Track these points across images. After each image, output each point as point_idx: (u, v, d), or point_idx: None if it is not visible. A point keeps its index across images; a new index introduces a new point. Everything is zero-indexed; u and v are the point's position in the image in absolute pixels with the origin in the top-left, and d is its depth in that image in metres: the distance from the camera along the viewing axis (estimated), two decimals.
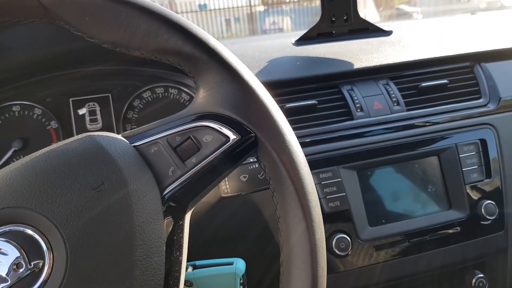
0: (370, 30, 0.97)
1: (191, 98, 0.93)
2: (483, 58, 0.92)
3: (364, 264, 0.76)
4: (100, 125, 0.88)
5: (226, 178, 0.64)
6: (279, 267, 0.42)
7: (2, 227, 0.33)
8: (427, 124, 0.83)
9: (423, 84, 0.86)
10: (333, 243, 0.73)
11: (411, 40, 0.99)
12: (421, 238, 0.79)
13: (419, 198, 0.81)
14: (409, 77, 0.88)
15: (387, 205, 0.79)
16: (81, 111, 0.89)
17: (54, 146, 0.38)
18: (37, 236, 0.33)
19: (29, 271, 0.33)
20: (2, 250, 0.33)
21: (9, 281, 0.32)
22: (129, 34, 0.39)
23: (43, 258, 0.33)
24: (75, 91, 0.88)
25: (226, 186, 0.62)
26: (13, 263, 0.33)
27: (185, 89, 0.93)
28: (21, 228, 0.33)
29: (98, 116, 0.89)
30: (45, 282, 0.32)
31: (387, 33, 0.98)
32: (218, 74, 0.41)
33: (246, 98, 0.41)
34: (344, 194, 0.76)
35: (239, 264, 0.65)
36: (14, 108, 0.86)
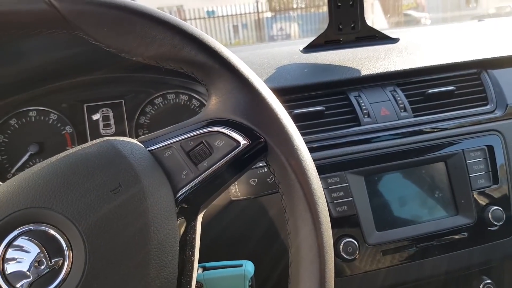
0: (377, 38, 0.98)
1: (201, 104, 0.95)
2: (490, 65, 0.92)
3: (371, 269, 0.77)
4: (113, 130, 0.91)
5: (236, 182, 0.65)
6: (287, 269, 0.43)
7: (24, 226, 0.35)
8: (434, 130, 0.84)
9: (430, 91, 0.87)
10: (341, 247, 0.74)
11: (418, 47, 1.00)
12: (428, 243, 0.80)
13: (426, 203, 0.82)
14: (416, 84, 0.90)
15: (394, 210, 0.80)
16: (95, 117, 0.91)
17: (73, 150, 0.40)
18: (57, 235, 0.35)
19: (50, 268, 0.34)
20: (24, 248, 0.35)
21: (31, 277, 0.34)
22: (144, 44, 0.41)
23: (63, 256, 0.35)
24: (89, 97, 0.91)
25: (236, 190, 0.63)
26: (34, 260, 0.34)
27: (196, 96, 0.95)
28: (42, 227, 0.35)
29: (112, 122, 0.91)
30: (64, 278, 0.34)
31: (394, 40, 0.99)
32: (229, 82, 0.42)
33: (256, 104, 0.42)
34: (351, 199, 0.77)
35: (248, 266, 0.66)
36: (30, 114, 0.88)
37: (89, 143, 0.41)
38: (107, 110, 0.92)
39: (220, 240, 0.69)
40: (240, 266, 0.67)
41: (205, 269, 0.67)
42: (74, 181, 0.37)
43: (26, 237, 0.35)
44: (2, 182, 0.83)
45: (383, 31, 1.00)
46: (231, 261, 0.68)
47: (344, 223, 0.76)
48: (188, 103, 0.95)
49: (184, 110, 0.95)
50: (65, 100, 0.90)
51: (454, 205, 0.82)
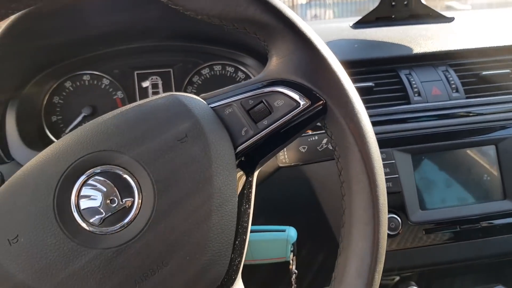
0: (431, 16, 0.96)
1: (247, 76, 0.96)
2: None
3: (412, 246, 0.77)
4: (164, 93, 0.93)
5: (285, 149, 0.66)
6: (329, 238, 0.43)
7: (98, 167, 0.37)
8: (486, 112, 0.82)
9: (484, 73, 0.85)
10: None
11: (473, 28, 0.97)
12: (472, 226, 0.79)
13: (473, 186, 0.81)
14: (469, 65, 0.87)
15: (439, 190, 0.79)
16: (145, 84, 0.94)
17: (142, 101, 0.42)
18: (128, 178, 0.37)
19: (121, 207, 0.36)
20: (97, 187, 0.37)
21: (103, 213, 0.36)
22: (211, 3, 0.42)
23: (133, 197, 0.36)
24: (140, 65, 0.93)
25: (285, 156, 0.64)
26: (107, 198, 0.36)
27: (242, 68, 0.96)
28: (115, 169, 0.37)
29: (160, 90, 0.94)
30: (134, 217, 0.36)
31: (449, 19, 0.97)
32: (292, 43, 0.43)
33: (318, 66, 0.42)
34: (397, 176, 0.77)
35: (291, 232, 0.67)
36: (84, 77, 0.92)
37: (157, 96, 0.42)
38: (156, 78, 0.94)
39: (265, 205, 0.70)
40: (283, 231, 0.68)
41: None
42: (145, 129, 0.38)
43: (100, 177, 0.37)
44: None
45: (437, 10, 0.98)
46: (274, 226, 0.69)
47: (388, 199, 0.74)
48: (234, 75, 0.97)
49: (229, 81, 0.96)
50: (117, 66, 0.93)
51: (502, 190, 0.80)
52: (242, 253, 0.41)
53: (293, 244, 0.67)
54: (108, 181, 0.37)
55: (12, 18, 0.72)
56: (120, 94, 0.93)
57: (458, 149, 0.80)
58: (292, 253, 0.68)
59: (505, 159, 0.80)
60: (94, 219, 0.36)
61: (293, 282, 0.70)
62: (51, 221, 0.34)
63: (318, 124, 0.45)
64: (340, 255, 0.41)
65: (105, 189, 0.36)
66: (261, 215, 0.72)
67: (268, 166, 0.67)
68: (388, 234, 0.73)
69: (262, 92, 0.43)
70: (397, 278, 0.83)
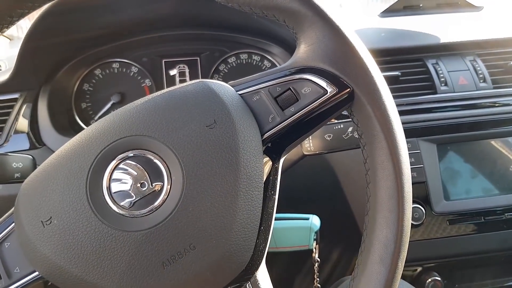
0: (459, 5, 0.94)
1: (273, 65, 0.97)
2: None
3: (436, 236, 0.77)
4: (193, 80, 0.94)
5: (310, 137, 0.67)
6: (352, 226, 0.44)
7: (129, 151, 0.38)
8: None
9: None
10: None
11: (502, 17, 0.95)
12: (496, 217, 0.78)
13: (498, 177, 0.80)
14: (497, 55, 0.86)
15: (464, 181, 0.79)
16: (172, 72, 0.95)
17: (172, 88, 0.43)
18: (158, 162, 0.38)
19: (151, 191, 0.37)
20: (128, 171, 0.38)
21: (134, 197, 0.37)
22: None
23: (162, 181, 0.37)
24: (168, 53, 0.95)
25: (310, 144, 0.65)
26: (137, 182, 0.37)
27: (268, 56, 0.96)
28: (146, 154, 0.38)
29: (187, 78, 0.95)
30: (164, 200, 0.37)
31: (478, 8, 0.95)
32: (320, 30, 0.43)
33: (346, 53, 0.42)
34: (422, 166, 0.76)
35: (315, 220, 0.68)
36: (114, 65, 0.94)
37: (187, 83, 0.43)
38: (184, 67, 0.96)
39: (289, 192, 0.71)
40: (307, 219, 0.69)
41: None
42: (175, 115, 0.39)
43: (131, 161, 0.38)
44: (86, 127, 0.90)
45: None
46: (298, 214, 0.70)
47: (413, 189, 0.75)
48: (259, 63, 0.97)
49: (255, 70, 0.97)
50: (145, 54, 0.94)
51: None
52: (267, 239, 0.41)
53: (316, 232, 0.68)
54: (138, 165, 0.38)
55: (43, 8, 0.74)
56: (148, 82, 0.95)
57: (484, 140, 0.80)
58: (315, 241, 0.69)
59: None
60: (124, 202, 0.37)
61: (315, 270, 0.71)
62: (83, 203, 0.36)
63: (344, 112, 0.45)
64: (364, 242, 0.41)
65: (135, 173, 0.37)
66: (285, 202, 0.74)
67: (293, 154, 0.68)
68: (412, 224, 0.73)
69: (290, 79, 0.43)
70: (420, 268, 0.84)
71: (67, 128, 0.87)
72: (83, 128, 0.90)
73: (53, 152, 0.40)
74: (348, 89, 0.42)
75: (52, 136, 0.81)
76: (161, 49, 0.95)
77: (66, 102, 0.91)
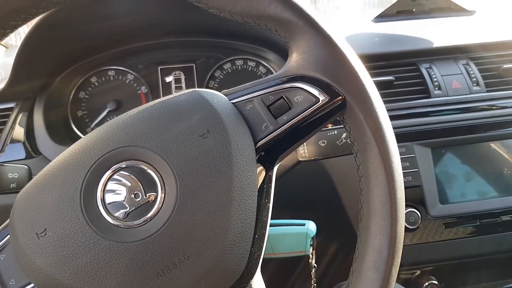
0: (452, 9, 0.95)
1: (268, 71, 0.97)
2: None
3: (432, 240, 0.77)
4: (187, 90, 0.95)
5: (304, 143, 0.67)
6: (349, 231, 0.44)
7: (123, 162, 0.38)
8: (507, 106, 0.82)
9: (505, 66, 0.84)
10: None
11: (494, 20, 0.96)
12: (492, 220, 0.78)
13: (493, 180, 0.80)
14: (490, 59, 0.87)
15: (459, 184, 0.79)
16: (168, 79, 0.96)
17: (166, 97, 0.43)
18: (152, 172, 0.38)
19: (145, 201, 0.37)
20: (123, 182, 0.38)
21: (128, 208, 0.37)
22: (233, 1, 0.43)
23: (156, 191, 0.37)
24: (164, 60, 0.95)
25: (304, 150, 0.65)
26: (131, 193, 0.38)
27: (263, 62, 0.97)
28: (139, 164, 0.38)
29: (183, 84, 0.96)
30: (158, 211, 0.37)
31: (470, 12, 0.96)
32: (312, 39, 0.43)
33: (337, 62, 0.43)
34: (417, 170, 0.77)
35: (311, 226, 0.68)
36: (109, 73, 0.94)
37: (180, 92, 0.44)
38: (179, 73, 0.96)
39: (285, 199, 0.71)
40: (303, 225, 0.69)
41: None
42: (168, 124, 0.40)
43: (125, 172, 0.38)
44: (83, 135, 0.90)
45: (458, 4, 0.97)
46: (294, 219, 0.70)
47: (408, 193, 0.75)
48: (255, 69, 0.98)
49: (251, 76, 0.97)
50: (141, 61, 0.95)
51: None
52: (262, 247, 0.42)
53: (312, 238, 0.68)
54: (132, 176, 0.38)
55: (37, 18, 0.74)
56: (144, 89, 0.95)
57: (478, 143, 0.80)
58: (311, 247, 0.69)
59: None
60: (119, 213, 0.37)
61: (312, 276, 0.71)
62: (78, 215, 0.36)
63: (337, 119, 0.45)
64: (358, 249, 0.42)
65: (129, 184, 0.38)
66: (281, 209, 0.74)
67: (288, 160, 0.68)
68: (407, 228, 0.74)
69: (282, 87, 0.43)
70: (417, 272, 0.84)
71: (63, 137, 0.87)
72: (79, 136, 0.90)
73: (49, 161, 0.40)
74: (340, 97, 0.43)
75: (48, 145, 0.81)
76: (156, 56, 0.96)
77: (62, 111, 0.91)
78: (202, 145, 0.39)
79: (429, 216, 0.77)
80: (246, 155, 0.40)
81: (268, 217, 0.44)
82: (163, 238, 0.36)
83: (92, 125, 0.94)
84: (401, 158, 0.74)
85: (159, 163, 0.38)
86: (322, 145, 0.63)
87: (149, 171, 0.38)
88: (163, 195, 0.37)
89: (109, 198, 0.37)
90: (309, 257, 0.71)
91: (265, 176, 0.44)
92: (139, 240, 0.36)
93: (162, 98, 0.43)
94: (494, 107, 0.81)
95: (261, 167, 0.43)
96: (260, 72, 0.98)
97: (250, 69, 0.98)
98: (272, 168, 0.45)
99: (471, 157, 0.80)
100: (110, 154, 0.38)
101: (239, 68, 0.98)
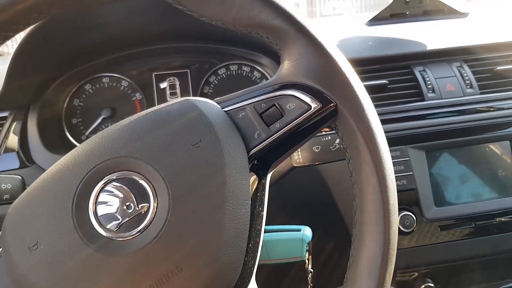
0: (445, 12, 0.95)
1: (263, 76, 0.97)
2: None
3: (427, 243, 0.77)
4: (179, 98, 0.95)
5: (298, 149, 0.67)
6: (344, 236, 0.44)
7: (115, 173, 0.38)
8: (501, 108, 0.82)
9: (499, 68, 0.85)
10: (398, 219, 0.75)
11: (487, 22, 0.97)
12: (487, 222, 0.79)
13: (488, 181, 0.81)
14: (483, 61, 0.87)
15: (454, 187, 0.79)
16: (163, 85, 0.96)
17: (157, 107, 0.43)
18: (144, 183, 0.38)
19: (137, 212, 0.37)
20: (114, 193, 0.38)
21: (120, 219, 0.37)
22: (225, 9, 0.43)
23: (149, 202, 0.37)
24: (158, 66, 0.95)
25: (299, 156, 0.65)
26: (123, 204, 0.37)
27: (258, 67, 0.97)
28: (131, 175, 0.38)
29: (178, 90, 0.96)
30: (150, 222, 0.37)
31: (463, 15, 0.96)
32: (303, 47, 0.43)
33: (329, 69, 0.43)
34: (411, 173, 0.77)
35: (307, 231, 0.68)
36: (104, 80, 0.94)
37: (172, 101, 0.44)
38: (174, 79, 0.96)
39: (280, 204, 0.72)
40: (299, 230, 0.69)
41: (264, 231, 0.70)
42: (160, 134, 0.39)
43: (116, 183, 0.38)
44: (78, 143, 0.90)
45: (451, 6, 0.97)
46: (289, 225, 0.70)
47: (403, 196, 0.76)
48: (249, 74, 0.98)
49: (245, 81, 0.97)
50: (135, 68, 0.95)
51: None
52: (256, 256, 0.42)
53: (308, 243, 0.68)
54: (124, 187, 0.38)
55: (30, 28, 0.74)
56: (138, 95, 0.95)
57: (473, 145, 0.80)
58: (307, 252, 0.69)
59: None
60: (111, 225, 0.36)
61: (309, 281, 0.71)
62: (70, 228, 0.36)
63: (330, 125, 0.45)
64: (352, 256, 0.42)
65: (121, 195, 0.37)
66: (277, 214, 0.74)
67: (282, 166, 0.68)
68: (403, 231, 0.74)
69: (274, 95, 0.43)
70: (413, 275, 0.84)
71: (58, 145, 0.87)
72: (74, 145, 0.90)
73: (44, 170, 0.40)
74: (332, 104, 0.43)
75: (42, 154, 0.81)
76: (151, 62, 0.96)
77: (56, 119, 0.91)
78: (195, 155, 0.39)
79: (424, 219, 0.77)
80: (239, 164, 0.40)
81: (262, 225, 0.44)
82: (156, 250, 0.36)
83: (87, 133, 0.94)
84: (395, 161, 0.76)
85: (151, 174, 0.38)
86: (316, 150, 0.63)
87: (141, 181, 0.38)
88: (155, 206, 0.37)
89: (101, 210, 0.37)
90: (305, 263, 0.71)
91: (258, 184, 0.44)
92: (132, 252, 0.35)
93: (154, 108, 0.43)
94: (488, 109, 0.82)
95: (254, 176, 0.43)
96: (254, 77, 0.98)
97: (244, 74, 0.98)
98: (266, 176, 0.45)
99: (465, 159, 0.81)
100: (101, 166, 0.38)
101: (234, 73, 0.98)
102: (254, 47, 0.94)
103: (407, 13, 0.95)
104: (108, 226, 0.36)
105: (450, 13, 0.96)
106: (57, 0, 0.43)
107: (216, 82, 0.97)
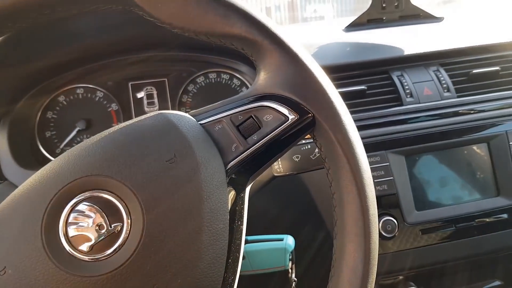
0: (421, 17, 0.96)
1: (242, 83, 0.96)
2: None
3: (409, 247, 0.78)
4: (157, 108, 0.93)
5: (279, 158, 0.67)
6: (327, 244, 0.43)
7: (86, 192, 0.37)
8: (478, 111, 0.83)
9: (475, 71, 0.86)
10: (380, 225, 0.75)
11: (463, 26, 0.98)
12: (467, 224, 0.79)
13: (467, 184, 0.81)
14: (460, 64, 0.88)
15: (434, 190, 0.80)
16: (139, 95, 0.94)
17: (129, 122, 0.42)
18: (116, 202, 0.37)
19: (109, 233, 0.36)
20: (86, 213, 0.36)
21: (92, 240, 0.36)
22: (198, 20, 0.42)
23: (122, 221, 0.36)
24: (134, 76, 0.94)
25: (279, 166, 0.65)
26: (95, 225, 0.36)
27: (237, 75, 0.96)
28: (103, 194, 0.37)
29: (155, 100, 0.94)
30: (123, 242, 0.35)
31: (438, 19, 0.97)
32: (278, 58, 0.43)
33: (305, 80, 0.43)
34: (391, 178, 0.77)
35: (289, 240, 0.68)
36: (78, 91, 0.92)
37: (145, 115, 0.42)
38: (151, 89, 0.94)
39: (261, 214, 0.71)
40: (281, 240, 0.69)
41: (246, 242, 0.69)
42: (132, 151, 0.38)
43: (87, 203, 0.36)
44: (52, 157, 0.87)
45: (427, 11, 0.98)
46: (272, 235, 0.69)
47: (384, 201, 0.76)
48: (229, 82, 0.97)
49: (225, 89, 0.96)
50: (111, 78, 0.93)
51: (495, 187, 0.81)
52: (236, 271, 0.41)
53: (291, 252, 0.68)
54: (96, 207, 0.36)
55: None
56: (114, 106, 0.93)
57: (451, 149, 0.81)
58: (291, 262, 0.68)
59: (497, 156, 0.81)
60: (82, 246, 0.35)
61: None
62: (39, 250, 0.34)
63: (308, 136, 0.45)
64: (334, 267, 0.41)
65: (93, 215, 0.36)
66: (259, 224, 0.73)
67: (263, 175, 0.67)
68: (385, 236, 0.74)
69: (251, 107, 0.43)
70: (397, 278, 0.84)
71: (30, 160, 0.84)
72: (47, 159, 0.87)
73: (16, 186, 0.38)
74: (309, 115, 0.42)
75: (14, 170, 0.78)
76: (127, 71, 0.94)
77: (28, 133, 0.88)
78: (169, 171, 0.38)
79: (406, 223, 0.77)
80: (215, 178, 0.39)
81: (241, 239, 0.43)
82: (131, 270, 0.34)
83: (62, 146, 0.91)
84: (375, 167, 0.76)
85: (124, 192, 0.37)
86: (296, 159, 0.63)
87: (113, 200, 0.37)
88: (129, 225, 0.36)
89: (72, 231, 0.36)
90: (289, 272, 0.71)
91: (237, 198, 0.43)
92: (106, 273, 0.34)
93: (126, 122, 0.42)
94: (465, 112, 0.83)
95: (233, 190, 0.42)
96: (234, 84, 0.97)
97: (224, 82, 0.97)
98: (244, 190, 0.44)
99: (445, 162, 0.81)
100: (71, 185, 0.37)
101: (213, 81, 0.97)
102: (233, 55, 0.93)
103: (384, 18, 0.96)
104: (79, 248, 0.35)
105: (426, 17, 0.97)
106: (22, 13, 0.41)
107: (195, 91, 0.96)
